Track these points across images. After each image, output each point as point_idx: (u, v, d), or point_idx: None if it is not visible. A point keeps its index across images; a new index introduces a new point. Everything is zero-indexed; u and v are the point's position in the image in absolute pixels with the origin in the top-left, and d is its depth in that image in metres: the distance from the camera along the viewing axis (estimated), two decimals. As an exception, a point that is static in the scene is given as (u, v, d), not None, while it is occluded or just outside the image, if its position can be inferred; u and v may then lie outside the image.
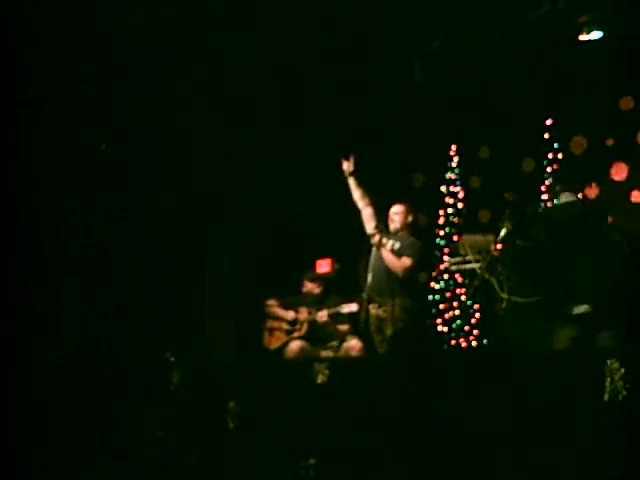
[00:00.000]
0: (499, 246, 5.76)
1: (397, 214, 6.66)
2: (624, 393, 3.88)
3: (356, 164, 6.73)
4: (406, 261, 6.42)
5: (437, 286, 8.60)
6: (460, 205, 8.79)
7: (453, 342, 8.37)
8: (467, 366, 4.79)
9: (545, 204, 7.98)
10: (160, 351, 6.42)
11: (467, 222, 8.68)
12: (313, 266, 8.53)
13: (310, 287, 7.70)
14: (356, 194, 6.75)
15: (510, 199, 8.45)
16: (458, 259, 6.08)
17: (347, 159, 6.74)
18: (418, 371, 5.06)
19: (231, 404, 5.69)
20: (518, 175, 8.59)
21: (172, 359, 6.30)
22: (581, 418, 4.06)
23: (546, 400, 4.21)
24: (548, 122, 8.19)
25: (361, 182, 6.80)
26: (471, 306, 8.34)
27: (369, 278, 6.44)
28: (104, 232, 7.56)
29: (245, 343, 8.19)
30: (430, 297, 8.60)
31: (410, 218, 6.69)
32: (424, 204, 9.03)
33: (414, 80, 8.54)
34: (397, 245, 6.46)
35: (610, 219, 7.92)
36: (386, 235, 6.57)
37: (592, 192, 8.19)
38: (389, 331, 6.42)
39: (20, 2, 6.59)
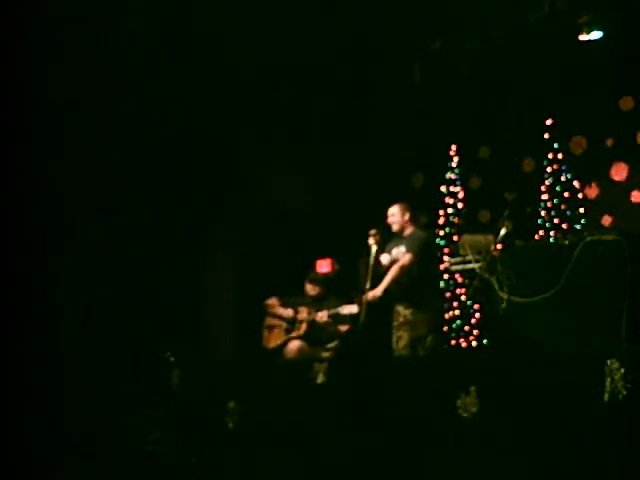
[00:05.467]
0: (499, 246, 5.76)
1: (393, 215, 6.67)
2: (624, 393, 3.88)
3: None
4: (406, 258, 6.48)
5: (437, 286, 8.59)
6: (460, 205, 8.78)
7: (453, 342, 8.37)
8: (467, 366, 4.79)
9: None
10: (160, 351, 6.42)
11: (467, 222, 8.68)
12: (313, 266, 8.54)
13: (310, 287, 7.70)
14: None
15: (510, 199, 8.45)
16: (458, 259, 6.07)
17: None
18: (417, 370, 5.08)
19: (231, 404, 5.69)
20: (518, 175, 8.59)
21: (172, 359, 6.30)
22: (581, 418, 4.06)
23: (546, 400, 4.21)
24: (548, 122, 8.19)
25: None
26: (471, 306, 8.34)
27: (368, 280, 6.46)
28: (104, 232, 7.56)
29: (245, 343, 8.19)
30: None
31: (407, 216, 6.69)
32: (424, 204, 9.05)
33: (413, 81, 8.56)
34: (385, 259, 6.53)
35: (610, 219, 7.96)
36: (392, 241, 6.62)
37: (592, 192, 8.19)
38: (406, 333, 6.45)
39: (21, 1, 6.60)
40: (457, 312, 8.44)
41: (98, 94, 7.33)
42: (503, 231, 5.79)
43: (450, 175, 8.87)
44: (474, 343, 8.23)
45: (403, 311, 6.51)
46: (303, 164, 9.12)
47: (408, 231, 6.67)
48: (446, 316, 8.46)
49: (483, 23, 7.92)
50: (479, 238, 5.94)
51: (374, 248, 6.55)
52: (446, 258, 8.42)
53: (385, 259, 6.63)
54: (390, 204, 6.73)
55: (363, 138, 9.18)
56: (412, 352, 6.36)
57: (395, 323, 6.58)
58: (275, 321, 7.67)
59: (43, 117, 7.07)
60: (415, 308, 6.47)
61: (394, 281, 6.47)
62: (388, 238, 6.69)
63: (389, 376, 5.12)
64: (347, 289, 7.37)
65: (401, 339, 6.49)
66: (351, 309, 7.05)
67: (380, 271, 6.52)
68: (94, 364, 6.85)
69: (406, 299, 6.49)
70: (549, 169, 8.15)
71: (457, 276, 8.33)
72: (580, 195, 8.07)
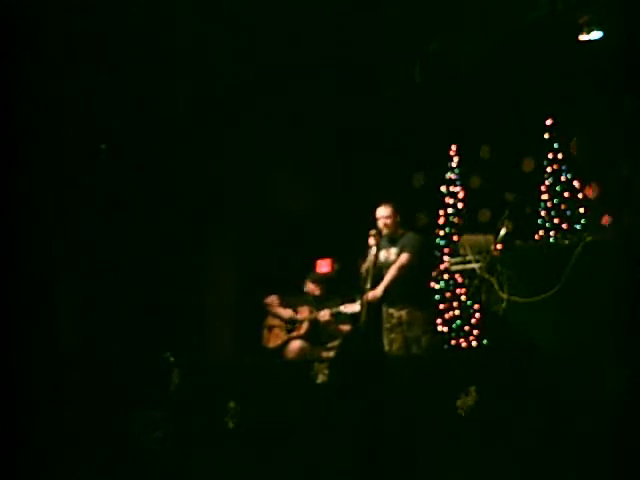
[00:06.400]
0: (499, 246, 5.76)
1: (387, 218, 6.63)
2: (624, 393, 3.89)
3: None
4: (403, 258, 6.47)
5: (437, 286, 8.59)
6: (460, 205, 8.78)
7: (453, 342, 8.37)
8: (467, 366, 4.80)
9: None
10: (160, 351, 6.42)
11: (467, 222, 8.68)
12: (313, 266, 8.53)
13: (313, 287, 7.71)
14: None
15: (510, 199, 8.45)
16: (458, 259, 6.07)
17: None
18: (417, 370, 5.08)
19: (231, 404, 5.69)
20: (518, 175, 8.59)
21: (172, 359, 6.31)
22: (581, 418, 4.06)
23: (546, 400, 4.22)
24: (548, 122, 8.18)
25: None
26: (471, 306, 8.34)
27: (369, 281, 6.45)
28: (104, 232, 7.56)
29: (245, 343, 8.19)
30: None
31: (398, 217, 6.67)
32: (424, 204, 9.05)
33: (414, 80, 8.54)
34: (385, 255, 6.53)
35: (610, 219, 7.96)
36: (382, 242, 6.61)
37: (592, 192, 8.18)
38: (400, 335, 6.44)
39: (20, 2, 6.59)
40: (457, 312, 8.44)
41: (99, 94, 7.33)
42: (503, 231, 5.80)
43: (450, 175, 8.87)
44: (474, 343, 8.23)
45: (397, 312, 6.49)
46: (304, 164, 9.11)
47: (399, 232, 6.66)
48: (446, 316, 8.47)
49: (483, 23, 7.91)
50: (479, 238, 5.94)
51: (374, 248, 6.55)
52: (446, 258, 8.43)
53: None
54: (377, 205, 6.70)
55: (363, 138, 9.18)
56: (407, 353, 6.36)
57: (387, 325, 6.56)
58: (275, 321, 7.68)
59: (43, 117, 7.07)
60: (411, 308, 6.45)
61: (394, 281, 6.46)
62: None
63: (389, 376, 5.13)
64: (348, 289, 7.38)
65: (395, 341, 6.48)
66: (353, 308, 7.06)
67: (373, 273, 6.50)
68: (94, 364, 6.85)
69: (401, 300, 6.48)
70: (549, 169, 8.15)
71: (457, 276, 8.33)
72: (580, 195, 8.06)
